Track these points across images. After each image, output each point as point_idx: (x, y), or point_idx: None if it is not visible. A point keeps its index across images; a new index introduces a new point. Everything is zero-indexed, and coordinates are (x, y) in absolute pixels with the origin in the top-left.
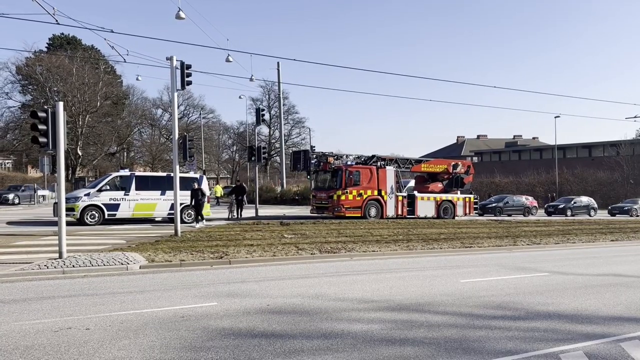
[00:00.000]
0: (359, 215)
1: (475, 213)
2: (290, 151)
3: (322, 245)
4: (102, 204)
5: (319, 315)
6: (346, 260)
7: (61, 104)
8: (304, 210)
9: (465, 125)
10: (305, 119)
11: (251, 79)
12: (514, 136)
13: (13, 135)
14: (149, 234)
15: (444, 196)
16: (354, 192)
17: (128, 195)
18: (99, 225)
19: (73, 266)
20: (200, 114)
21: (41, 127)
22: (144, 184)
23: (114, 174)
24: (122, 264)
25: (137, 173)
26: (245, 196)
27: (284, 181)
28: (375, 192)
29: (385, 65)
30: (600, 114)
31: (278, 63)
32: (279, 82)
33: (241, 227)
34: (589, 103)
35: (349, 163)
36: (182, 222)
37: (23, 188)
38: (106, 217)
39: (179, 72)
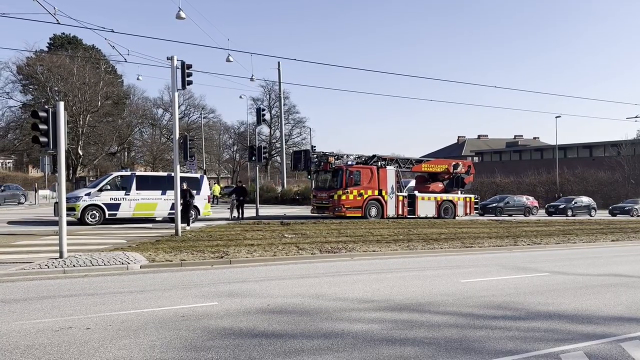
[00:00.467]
0: (360, 215)
1: (476, 213)
2: (291, 151)
3: (323, 245)
4: (103, 203)
5: (320, 315)
6: (347, 260)
7: (62, 103)
8: (305, 210)
9: (465, 125)
10: (306, 118)
11: (252, 79)
12: (515, 136)
13: (14, 134)
14: (150, 233)
15: (445, 196)
16: (355, 192)
17: (129, 195)
18: (99, 225)
19: (74, 266)
20: (200, 113)
21: (42, 126)
22: (145, 183)
23: (115, 174)
24: (122, 263)
25: (137, 173)
26: (246, 197)
27: (285, 181)
28: (376, 192)
29: (385, 65)
30: (601, 114)
31: (279, 63)
32: (279, 82)
33: (242, 227)
34: (590, 103)
35: (349, 163)
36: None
37: (2, 187)
38: (107, 216)
39: (179, 71)
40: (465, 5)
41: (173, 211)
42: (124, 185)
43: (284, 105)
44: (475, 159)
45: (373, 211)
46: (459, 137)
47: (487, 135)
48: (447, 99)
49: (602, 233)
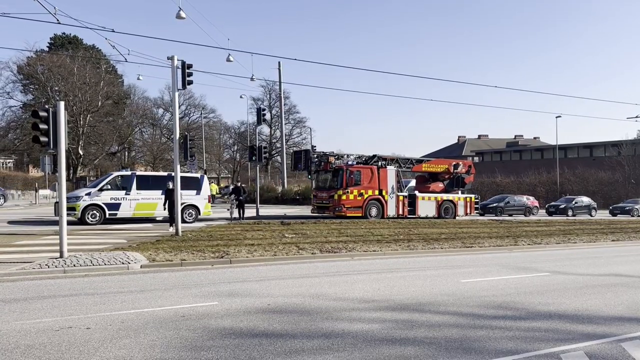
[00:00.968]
0: (360, 215)
1: (476, 213)
2: (291, 151)
3: (323, 245)
4: (103, 203)
5: (320, 314)
6: (347, 260)
7: (62, 103)
8: (305, 210)
9: (466, 125)
10: (306, 118)
11: (252, 79)
12: (515, 136)
13: (14, 134)
14: (150, 233)
15: (445, 196)
16: (355, 192)
17: (129, 194)
18: (99, 224)
19: (74, 265)
20: (201, 113)
21: (42, 126)
22: (145, 183)
23: (115, 174)
24: (123, 263)
25: (138, 172)
26: (244, 196)
27: (285, 181)
28: (376, 192)
29: (386, 65)
30: (601, 113)
31: (279, 63)
32: (280, 82)
33: (242, 227)
34: (590, 103)
35: (349, 163)
36: (183, 221)
37: None
38: (107, 216)
39: (180, 71)
40: (466, 5)
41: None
42: (124, 185)
43: (284, 105)
44: (476, 159)
45: (373, 211)
46: (459, 137)
47: (487, 135)
48: (447, 98)
49: (603, 233)
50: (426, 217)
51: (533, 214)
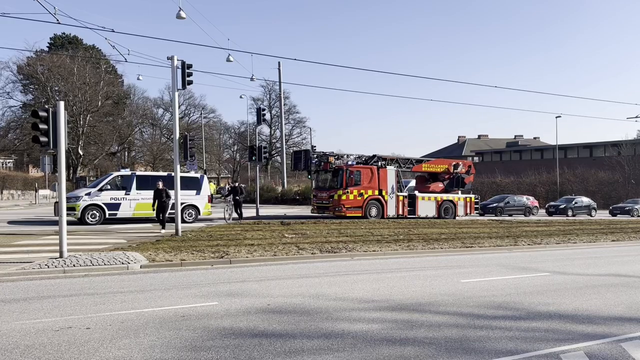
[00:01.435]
0: (360, 215)
1: (476, 213)
2: (291, 151)
3: (323, 245)
4: (103, 203)
5: (320, 315)
6: (347, 260)
7: (62, 103)
8: (305, 210)
9: (466, 125)
10: (306, 118)
11: (252, 79)
12: (515, 136)
13: (14, 134)
14: (150, 233)
15: (445, 196)
16: (355, 192)
17: (129, 194)
18: (99, 224)
19: (74, 265)
20: (201, 113)
21: (42, 126)
22: (145, 183)
23: (115, 174)
24: (122, 263)
25: (138, 172)
26: (240, 196)
27: (285, 181)
28: (376, 192)
29: (386, 65)
30: (601, 114)
31: (279, 63)
32: (279, 82)
33: (242, 227)
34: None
35: (349, 163)
36: (183, 221)
37: None
38: (107, 216)
39: (179, 71)
40: (466, 5)
41: (173, 211)
42: (124, 185)
43: (284, 105)
44: (476, 159)
45: (373, 211)
46: (459, 137)
47: (487, 135)
48: (447, 98)
49: (603, 233)
50: (426, 217)
51: (533, 214)
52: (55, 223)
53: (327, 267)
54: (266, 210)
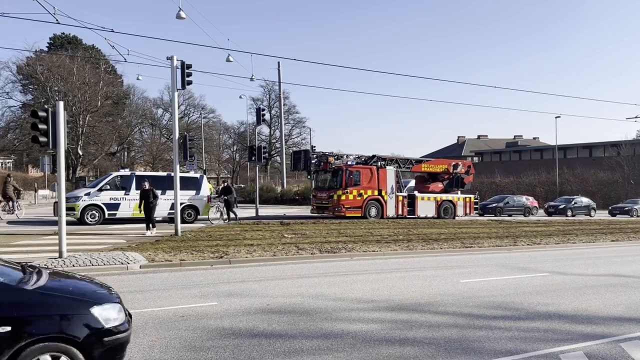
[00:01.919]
0: (359, 215)
1: (476, 213)
2: (291, 151)
3: (323, 245)
4: (103, 203)
5: (319, 315)
6: (346, 260)
7: (61, 103)
8: (305, 210)
9: (465, 125)
10: (306, 118)
11: (252, 79)
12: (515, 136)
13: (14, 134)
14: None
15: (445, 196)
16: (355, 192)
17: (128, 194)
18: (99, 224)
19: (73, 266)
20: (200, 113)
21: (41, 126)
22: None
23: (115, 174)
24: (122, 263)
25: (137, 173)
26: (232, 196)
27: (285, 181)
28: (376, 192)
29: (385, 65)
30: (601, 114)
31: (279, 63)
32: (279, 82)
33: (241, 227)
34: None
35: (349, 163)
36: (183, 221)
37: None
38: (106, 216)
39: (179, 71)
40: (465, 5)
41: (172, 211)
42: (123, 185)
43: (283, 105)
44: (475, 159)
45: (373, 211)
46: (458, 137)
47: (487, 136)
48: (446, 99)
49: (602, 233)
50: (425, 218)
51: (532, 214)
52: (55, 223)
53: (326, 267)
54: (266, 211)
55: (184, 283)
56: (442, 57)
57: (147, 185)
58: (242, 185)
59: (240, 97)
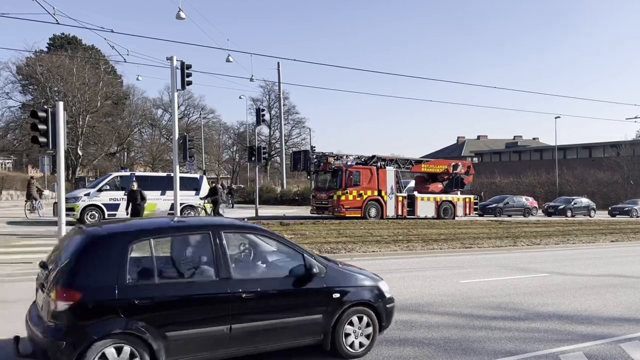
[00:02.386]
0: (359, 215)
1: (476, 213)
2: (291, 151)
3: (322, 246)
4: (102, 203)
5: None
6: (346, 260)
7: (61, 103)
8: (304, 211)
9: (465, 125)
10: (306, 119)
11: (251, 79)
12: (515, 137)
13: (13, 135)
14: None
15: (444, 196)
16: (354, 193)
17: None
18: None
19: None
20: (200, 114)
21: (41, 126)
22: (144, 184)
23: (114, 174)
24: None
25: (137, 173)
26: (218, 197)
27: (284, 181)
28: (376, 193)
29: (385, 65)
30: (601, 114)
31: (278, 63)
32: (279, 82)
33: None
34: (589, 104)
35: (349, 163)
36: None
37: None
38: (106, 217)
39: (179, 72)
40: (465, 5)
41: (172, 211)
42: (123, 185)
43: (283, 105)
44: (475, 159)
45: (372, 211)
46: (458, 137)
47: (486, 136)
48: (446, 99)
49: (602, 234)
50: (425, 218)
51: (532, 215)
52: (55, 223)
53: None
54: (265, 211)
55: None
56: (442, 57)
57: (135, 186)
58: (242, 186)
59: (240, 98)
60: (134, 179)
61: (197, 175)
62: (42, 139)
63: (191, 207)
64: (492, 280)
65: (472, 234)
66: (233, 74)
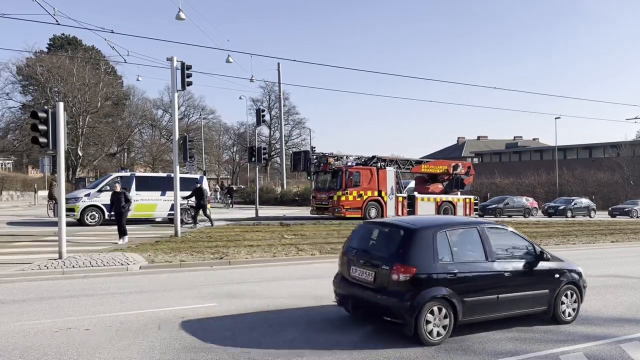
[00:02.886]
0: (359, 216)
1: (476, 214)
2: (291, 152)
3: (322, 246)
4: (102, 204)
5: (319, 316)
6: None
7: (61, 104)
8: (304, 211)
9: (465, 126)
10: (306, 119)
11: (251, 80)
12: (515, 137)
13: (13, 135)
14: (149, 234)
15: (444, 197)
16: (354, 193)
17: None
18: (99, 225)
19: (73, 266)
20: (200, 114)
21: (41, 127)
22: (144, 184)
23: (114, 175)
24: (122, 264)
25: (137, 173)
26: (201, 200)
27: (284, 182)
28: (376, 193)
29: (385, 66)
30: (601, 115)
31: (278, 64)
32: (279, 83)
33: (241, 228)
34: (589, 104)
35: (349, 164)
36: (182, 222)
37: None
38: (106, 217)
39: (179, 72)
40: (465, 6)
41: (172, 212)
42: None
43: (283, 106)
44: (475, 160)
45: (373, 212)
46: (458, 138)
47: (486, 136)
48: (446, 99)
49: (602, 234)
50: None
51: (532, 215)
52: (55, 224)
53: (326, 268)
54: (266, 211)
55: (184, 284)
56: (442, 58)
57: (118, 187)
58: (242, 186)
59: (240, 98)
60: (118, 181)
61: (197, 176)
62: (42, 140)
63: (192, 207)
64: None
65: None
66: (233, 74)
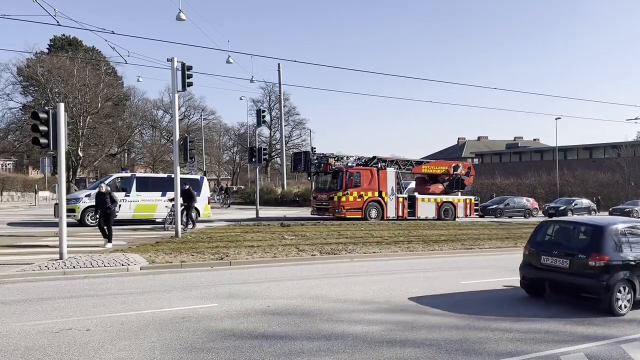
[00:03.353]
0: (360, 216)
1: (476, 214)
2: (291, 152)
3: (323, 247)
4: None
5: (320, 316)
6: (347, 261)
7: (62, 105)
8: (305, 212)
9: (466, 126)
10: (306, 120)
11: (252, 81)
12: (515, 137)
13: (14, 136)
14: (150, 235)
15: (445, 197)
16: (355, 194)
17: (129, 196)
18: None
19: (74, 267)
20: (201, 115)
21: (42, 128)
22: (145, 185)
23: (115, 175)
24: (122, 265)
25: (137, 174)
26: (191, 202)
27: (285, 182)
28: (376, 194)
29: (386, 67)
30: (601, 115)
31: (279, 64)
32: (279, 84)
33: (242, 229)
34: (590, 105)
35: (349, 164)
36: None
37: None
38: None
39: (179, 73)
40: (465, 7)
41: (172, 212)
42: (124, 186)
43: (284, 106)
44: (476, 160)
45: (373, 212)
46: (459, 138)
47: (487, 137)
48: (447, 100)
49: None
50: (426, 219)
51: (533, 216)
52: (55, 225)
53: (327, 268)
54: (266, 212)
55: (185, 284)
56: (443, 59)
57: (103, 188)
58: (242, 187)
59: (241, 99)
60: (104, 181)
61: (197, 177)
62: (43, 140)
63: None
64: (493, 281)
65: (473, 235)
66: (233, 75)
